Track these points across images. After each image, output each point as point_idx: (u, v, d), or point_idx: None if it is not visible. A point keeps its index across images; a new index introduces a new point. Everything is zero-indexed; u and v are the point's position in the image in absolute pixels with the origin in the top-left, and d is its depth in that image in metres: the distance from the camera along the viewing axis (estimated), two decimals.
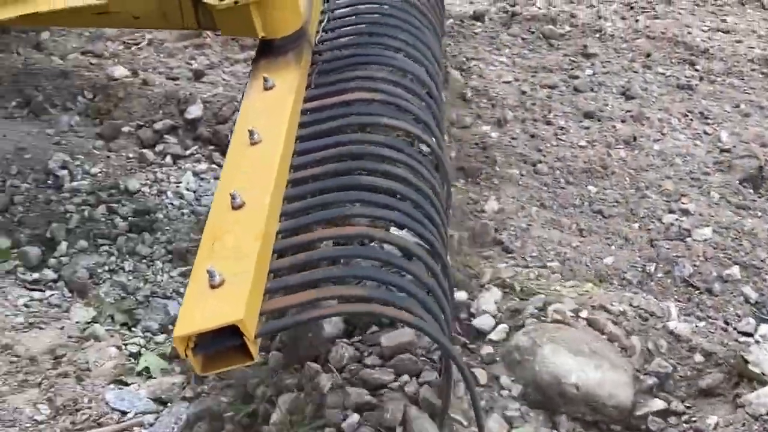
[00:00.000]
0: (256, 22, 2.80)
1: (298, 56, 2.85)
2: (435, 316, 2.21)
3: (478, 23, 5.01)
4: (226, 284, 1.99)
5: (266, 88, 2.69)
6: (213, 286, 1.98)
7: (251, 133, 2.47)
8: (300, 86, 2.76)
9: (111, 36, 4.74)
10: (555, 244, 3.40)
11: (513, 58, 4.70)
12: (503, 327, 2.90)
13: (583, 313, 2.92)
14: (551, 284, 3.12)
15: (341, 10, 3.28)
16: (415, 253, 2.32)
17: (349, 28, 3.19)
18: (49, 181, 3.73)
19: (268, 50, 2.88)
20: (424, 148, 2.87)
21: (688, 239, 3.44)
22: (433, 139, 2.80)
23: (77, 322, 3.09)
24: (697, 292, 3.23)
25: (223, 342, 1.94)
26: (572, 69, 4.59)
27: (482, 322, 2.93)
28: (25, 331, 2.96)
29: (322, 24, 3.17)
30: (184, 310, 1.98)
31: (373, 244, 2.65)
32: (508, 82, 4.44)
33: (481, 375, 2.73)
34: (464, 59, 4.61)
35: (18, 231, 3.48)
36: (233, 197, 2.22)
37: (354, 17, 3.25)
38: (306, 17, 2.96)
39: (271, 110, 2.62)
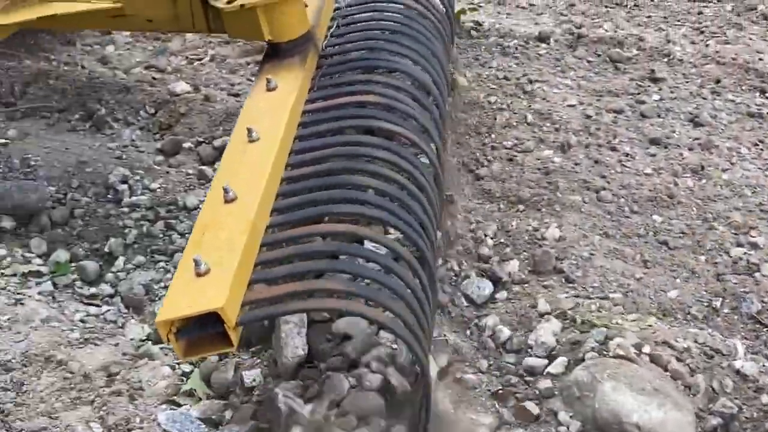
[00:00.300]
0: (263, 25, 2.92)
1: (303, 59, 2.93)
2: (416, 320, 2.23)
3: (543, 45, 4.94)
4: (211, 273, 2.08)
5: (269, 89, 2.78)
6: (198, 275, 2.08)
7: (249, 131, 2.55)
8: (302, 88, 2.84)
9: (174, 51, 4.78)
10: (618, 275, 3.30)
11: (578, 81, 4.61)
12: (562, 360, 2.84)
13: (646, 349, 2.85)
14: (613, 317, 3.04)
15: (350, 16, 3.37)
16: (401, 255, 2.35)
17: (356, 33, 3.27)
18: (109, 195, 3.74)
19: (275, 53, 2.98)
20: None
21: (757, 274, 3.33)
22: (432, 145, 2.87)
23: (132, 339, 3.08)
24: (765, 329, 3.12)
25: (205, 329, 2.03)
26: (639, 94, 4.48)
27: (540, 353, 2.87)
28: (81, 347, 2.96)
29: (331, 29, 3.26)
30: (168, 297, 2.07)
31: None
32: (573, 106, 4.36)
33: (533, 408, 2.69)
34: (527, 81, 4.54)
35: (77, 245, 3.50)
36: (226, 191, 2.31)
37: (361, 23, 3.33)
38: (314, 22, 3.06)
39: (271, 110, 2.70)
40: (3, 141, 4.01)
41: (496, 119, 4.20)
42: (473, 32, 5.02)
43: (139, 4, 3.19)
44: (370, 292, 2.26)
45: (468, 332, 3.09)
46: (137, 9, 3.21)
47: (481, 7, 5.34)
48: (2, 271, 3.33)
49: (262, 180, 2.41)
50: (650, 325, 3.01)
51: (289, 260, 2.30)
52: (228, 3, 2.89)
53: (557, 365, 2.83)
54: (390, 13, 3.37)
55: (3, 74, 4.40)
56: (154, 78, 4.54)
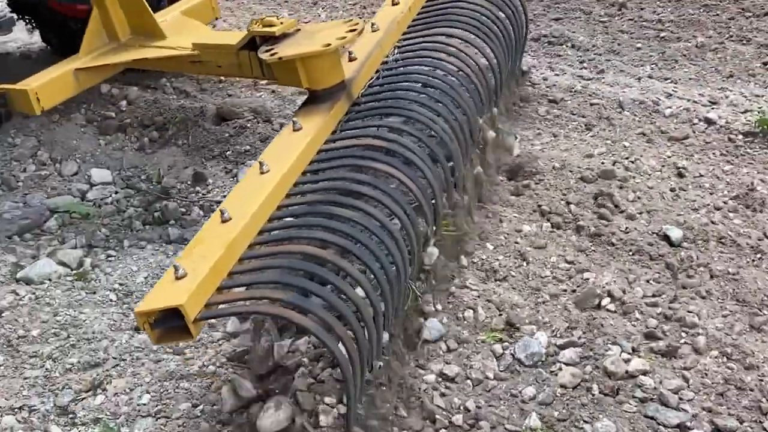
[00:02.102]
0: (301, 75, 3.37)
1: (332, 106, 3.32)
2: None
3: None
4: (186, 278, 2.47)
5: (294, 130, 3.19)
6: (177, 278, 2.47)
7: (261, 164, 2.96)
8: (323, 130, 3.22)
9: None
10: None
11: None
12: None
13: None
14: None
15: (393, 69, 3.70)
16: (356, 279, 2.64)
17: (390, 84, 3.58)
18: None
19: (311, 99, 3.42)
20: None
21: None
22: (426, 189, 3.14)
23: None
24: None
25: (173, 322, 2.40)
26: None
27: None
28: None
29: (371, 80, 3.58)
30: (150, 294, 2.48)
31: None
32: None
33: None
34: None
35: None
36: (222, 212, 2.73)
37: (400, 75, 3.64)
38: (354, 73, 3.47)
39: (288, 148, 3.10)
40: None
41: None
42: None
43: (212, 54, 3.73)
44: (309, 304, 2.56)
45: None
46: (210, 57, 3.74)
47: None
48: None
49: (255, 205, 2.80)
50: None
51: (256, 271, 2.66)
52: (271, 56, 3.35)
53: None
54: (428, 68, 3.68)
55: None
56: None
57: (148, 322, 2.46)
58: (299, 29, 3.51)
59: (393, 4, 4.14)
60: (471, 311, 3.25)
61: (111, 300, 3.60)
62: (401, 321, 3.05)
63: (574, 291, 3.37)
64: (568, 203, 3.87)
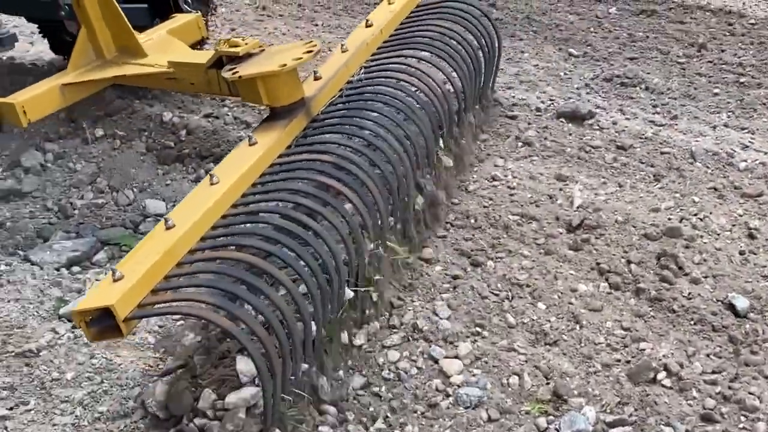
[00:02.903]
0: (262, 93, 3.56)
1: (289, 122, 3.50)
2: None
3: None
4: (122, 280, 2.63)
5: (250, 144, 3.37)
6: (114, 280, 2.63)
7: (212, 176, 3.13)
8: (277, 145, 3.40)
9: None
10: None
11: None
12: None
13: None
14: None
15: (354, 89, 3.86)
16: (285, 286, 2.78)
17: (347, 103, 3.73)
18: None
19: (270, 116, 3.60)
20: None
21: None
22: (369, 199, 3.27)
23: None
24: None
25: (107, 321, 2.57)
26: None
27: None
28: None
29: (333, 98, 3.75)
30: (87, 295, 2.67)
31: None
32: None
33: None
34: None
35: None
36: (166, 221, 2.90)
37: (359, 95, 3.80)
38: (316, 92, 3.66)
39: (240, 161, 3.25)
40: None
41: None
42: None
43: (185, 72, 3.94)
44: (234, 308, 2.72)
45: None
46: (183, 75, 3.96)
47: None
48: None
49: (198, 214, 2.98)
50: None
51: (192, 275, 2.83)
52: (233, 74, 3.54)
53: None
54: (388, 87, 3.84)
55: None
56: None
57: (84, 321, 2.63)
58: (263, 50, 3.70)
59: (366, 26, 4.31)
60: (516, 377, 3.10)
61: (149, 343, 3.48)
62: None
63: (628, 362, 3.17)
64: (629, 262, 3.66)
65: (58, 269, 3.85)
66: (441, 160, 4.06)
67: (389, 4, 4.58)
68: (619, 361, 3.18)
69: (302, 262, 2.89)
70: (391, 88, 3.84)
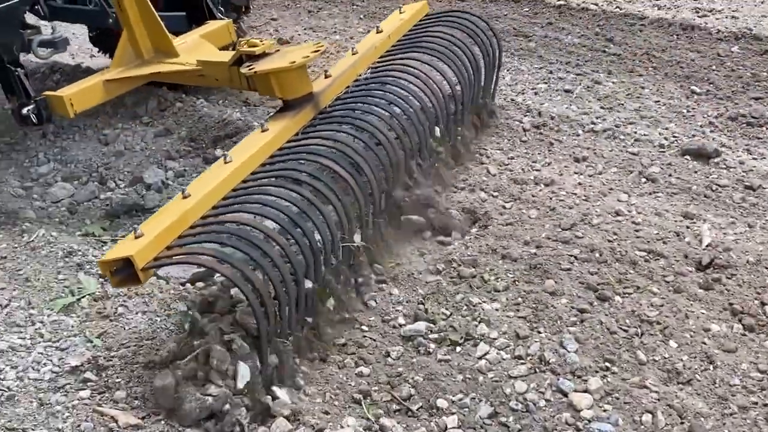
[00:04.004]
0: (275, 86, 4.04)
1: (298, 112, 3.99)
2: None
3: None
4: (142, 237, 3.13)
5: (262, 131, 3.86)
6: (135, 237, 3.15)
7: (226, 156, 3.62)
8: (285, 131, 3.88)
9: None
10: None
11: None
12: None
13: None
14: None
15: (359, 86, 4.32)
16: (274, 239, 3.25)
17: (350, 98, 4.19)
18: None
19: (283, 107, 4.08)
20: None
21: None
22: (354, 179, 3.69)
23: None
24: None
25: (128, 270, 3.07)
26: None
27: None
28: None
29: (339, 94, 4.20)
30: (113, 248, 3.21)
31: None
32: None
33: None
34: None
35: None
36: (183, 191, 3.37)
37: (362, 91, 4.25)
38: (325, 87, 4.14)
39: (252, 145, 3.74)
40: None
41: None
42: None
43: (211, 69, 4.44)
44: (229, 258, 3.15)
45: None
46: (210, 72, 4.46)
47: None
48: None
49: (210, 186, 3.47)
50: None
51: (201, 234, 3.29)
52: (249, 70, 4.03)
53: None
54: (390, 85, 4.30)
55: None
56: None
57: (110, 270, 3.13)
58: (278, 50, 4.19)
59: (377, 32, 4.79)
60: (650, 415, 3.04)
61: None
62: None
63: (766, 405, 3.08)
64: (762, 304, 3.56)
65: (183, 284, 3.93)
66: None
67: (400, 13, 5.05)
68: (756, 404, 3.09)
69: (295, 225, 3.35)
70: (391, 85, 4.30)
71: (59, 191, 4.81)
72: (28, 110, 4.52)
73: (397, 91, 4.25)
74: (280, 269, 3.19)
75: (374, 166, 3.81)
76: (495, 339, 3.45)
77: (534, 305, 3.60)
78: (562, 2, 7.50)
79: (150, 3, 4.63)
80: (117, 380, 3.31)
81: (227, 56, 4.37)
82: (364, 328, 3.59)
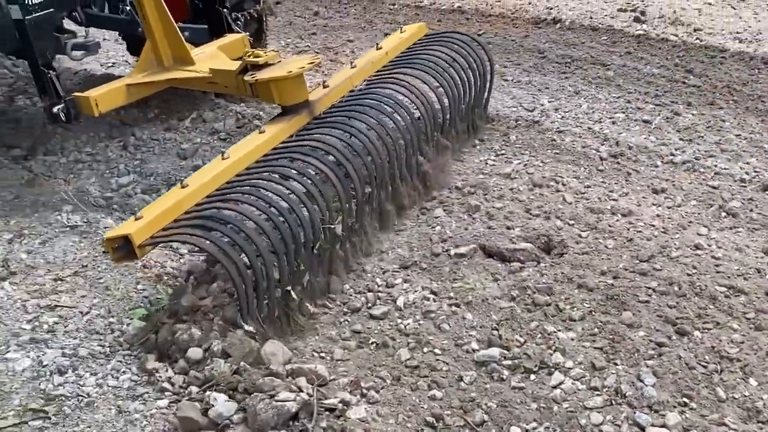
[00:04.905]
0: (274, 94, 4.48)
1: (293, 117, 4.42)
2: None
3: None
4: (141, 219, 3.57)
5: (260, 132, 4.30)
6: (135, 219, 3.60)
7: (223, 153, 4.06)
8: (281, 134, 4.33)
9: None
10: None
11: None
12: None
13: None
14: None
15: (353, 96, 4.74)
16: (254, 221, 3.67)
17: (344, 106, 4.60)
18: None
19: (281, 113, 4.53)
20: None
21: None
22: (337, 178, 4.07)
23: None
24: None
25: (127, 248, 3.51)
26: None
27: None
28: None
29: (334, 102, 4.63)
30: (116, 228, 3.68)
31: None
32: None
33: None
34: None
35: None
36: (181, 182, 3.81)
37: (355, 101, 4.67)
38: (321, 95, 4.60)
39: (249, 144, 4.19)
40: None
41: None
42: None
43: (220, 77, 4.91)
44: (213, 237, 3.57)
45: None
46: (220, 79, 4.93)
47: None
48: None
49: (206, 178, 3.92)
50: None
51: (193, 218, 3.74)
52: (251, 78, 4.49)
53: None
54: (380, 95, 4.72)
55: None
56: None
57: (112, 247, 3.58)
58: (280, 61, 4.64)
59: (377, 49, 5.23)
60: None
61: None
62: None
63: None
64: None
65: None
66: None
67: (401, 33, 5.50)
68: None
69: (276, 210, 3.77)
70: (382, 96, 4.73)
71: (139, 203, 4.98)
72: (58, 109, 5.01)
73: (386, 101, 4.66)
74: (256, 245, 3.59)
75: (357, 166, 4.21)
76: (570, 369, 3.42)
77: (611, 336, 3.58)
78: (641, 32, 7.64)
79: (171, 15, 5.13)
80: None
81: (236, 65, 4.83)
82: (437, 351, 3.59)
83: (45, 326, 3.76)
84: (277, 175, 3.99)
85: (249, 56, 4.63)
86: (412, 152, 4.66)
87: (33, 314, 3.85)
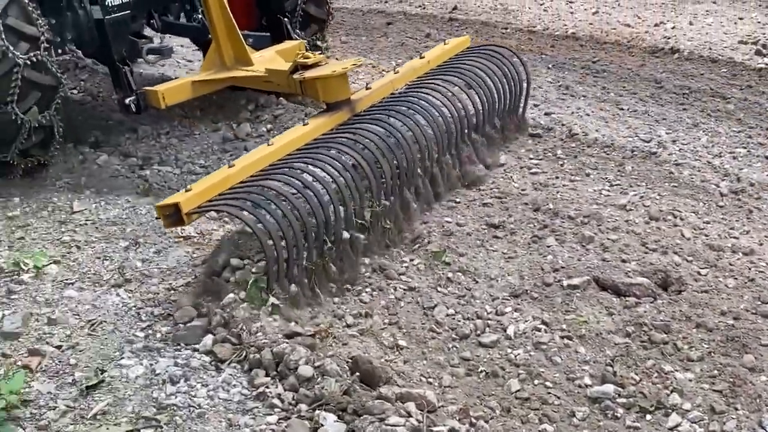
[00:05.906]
0: (320, 91, 4.93)
1: (335, 113, 4.87)
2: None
3: None
4: (190, 191, 4.02)
5: (303, 125, 4.73)
6: (185, 191, 4.05)
7: (269, 141, 4.50)
8: (322, 127, 4.77)
9: None
10: None
11: None
12: None
13: None
14: None
15: (393, 98, 5.17)
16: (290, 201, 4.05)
17: (383, 106, 5.02)
18: None
19: (325, 109, 4.99)
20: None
21: None
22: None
23: None
24: None
25: (177, 215, 3.96)
26: None
27: None
28: None
29: (375, 102, 5.06)
30: (168, 198, 4.08)
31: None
32: None
33: None
34: None
35: None
36: (229, 163, 4.26)
37: (394, 102, 5.07)
38: (363, 95, 5.03)
39: (293, 134, 4.64)
40: None
41: None
42: None
43: (274, 76, 5.41)
44: (250, 209, 4.00)
45: None
46: (274, 78, 5.43)
47: None
48: None
49: (251, 161, 4.39)
50: None
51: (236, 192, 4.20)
52: (299, 76, 4.98)
53: None
54: (416, 99, 5.15)
55: None
56: None
57: (164, 214, 4.05)
58: (327, 62, 5.12)
59: (420, 58, 5.68)
60: None
61: None
62: None
63: None
64: None
65: None
66: None
67: (444, 44, 5.94)
68: None
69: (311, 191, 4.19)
70: (419, 99, 5.14)
71: None
72: (130, 101, 5.59)
73: (423, 104, 5.07)
74: (289, 218, 4.00)
75: (390, 159, 4.61)
76: (688, 411, 3.28)
77: (731, 380, 3.42)
78: (762, 66, 7.42)
79: (237, 23, 5.66)
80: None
81: (289, 66, 5.33)
82: (548, 383, 3.48)
83: (158, 335, 3.80)
84: (314, 161, 4.42)
85: (299, 57, 5.11)
86: (443, 149, 5.06)
87: (147, 322, 3.91)
